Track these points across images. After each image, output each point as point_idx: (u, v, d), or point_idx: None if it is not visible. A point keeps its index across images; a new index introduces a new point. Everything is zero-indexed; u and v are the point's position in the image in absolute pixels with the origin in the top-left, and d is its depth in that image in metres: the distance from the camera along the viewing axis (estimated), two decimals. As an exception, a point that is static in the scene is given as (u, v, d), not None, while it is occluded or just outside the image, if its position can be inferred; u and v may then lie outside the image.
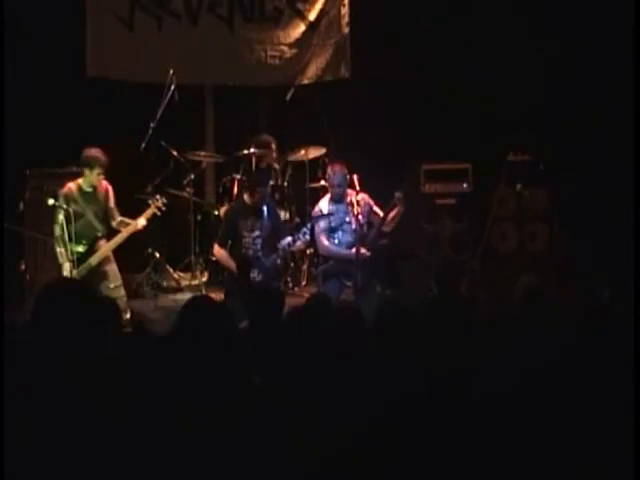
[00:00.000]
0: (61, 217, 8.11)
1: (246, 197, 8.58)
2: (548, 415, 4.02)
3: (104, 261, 8.33)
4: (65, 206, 8.15)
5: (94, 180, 8.24)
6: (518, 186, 9.40)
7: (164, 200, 8.51)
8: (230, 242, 8.56)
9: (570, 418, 4.03)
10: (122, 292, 8.35)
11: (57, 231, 8.16)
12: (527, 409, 4.02)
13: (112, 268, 8.37)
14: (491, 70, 10.07)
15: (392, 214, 8.56)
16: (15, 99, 8.96)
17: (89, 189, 8.30)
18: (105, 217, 8.38)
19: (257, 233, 8.46)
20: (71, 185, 8.29)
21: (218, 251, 8.55)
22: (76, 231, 8.14)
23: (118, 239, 8.32)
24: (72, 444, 3.64)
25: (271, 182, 9.49)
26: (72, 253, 8.15)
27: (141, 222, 8.33)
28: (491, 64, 10.08)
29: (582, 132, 9.84)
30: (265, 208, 8.57)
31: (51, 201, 8.18)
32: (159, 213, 8.49)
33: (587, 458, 3.92)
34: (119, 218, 8.39)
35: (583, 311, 4.82)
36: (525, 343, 4.50)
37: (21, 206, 8.91)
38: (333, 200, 8.65)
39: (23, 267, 8.89)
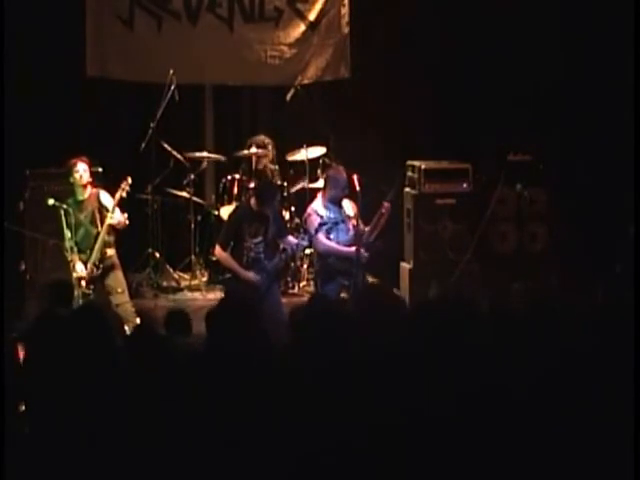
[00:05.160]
0: (63, 219, 8.14)
1: (252, 202, 8.38)
2: (548, 415, 4.02)
3: (112, 266, 8.35)
4: (65, 206, 8.19)
5: (77, 183, 8.29)
6: (518, 186, 9.40)
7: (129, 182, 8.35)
8: (232, 244, 8.45)
9: (570, 418, 4.03)
10: (127, 298, 8.37)
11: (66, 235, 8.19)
12: (527, 409, 4.02)
13: (119, 274, 8.39)
14: (491, 70, 10.07)
15: (379, 222, 8.42)
16: (15, 99, 8.95)
17: (81, 197, 8.35)
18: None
19: (260, 239, 8.29)
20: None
21: (219, 253, 8.38)
22: (77, 241, 8.20)
23: (102, 234, 8.27)
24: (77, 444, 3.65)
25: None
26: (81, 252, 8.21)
27: (110, 217, 8.23)
28: (491, 64, 10.07)
29: (582, 132, 9.83)
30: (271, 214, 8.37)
31: (51, 201, 8.19)
32: (124, 195, 8.34)
33: (587, 458, 3.93)
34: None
35: (583, 311, 4.82)
36: (525, 343, 4.50)
37: (21, 206, 8.90)
38: (330, 202, 8.53)
39: (23, 267, 8.88)
